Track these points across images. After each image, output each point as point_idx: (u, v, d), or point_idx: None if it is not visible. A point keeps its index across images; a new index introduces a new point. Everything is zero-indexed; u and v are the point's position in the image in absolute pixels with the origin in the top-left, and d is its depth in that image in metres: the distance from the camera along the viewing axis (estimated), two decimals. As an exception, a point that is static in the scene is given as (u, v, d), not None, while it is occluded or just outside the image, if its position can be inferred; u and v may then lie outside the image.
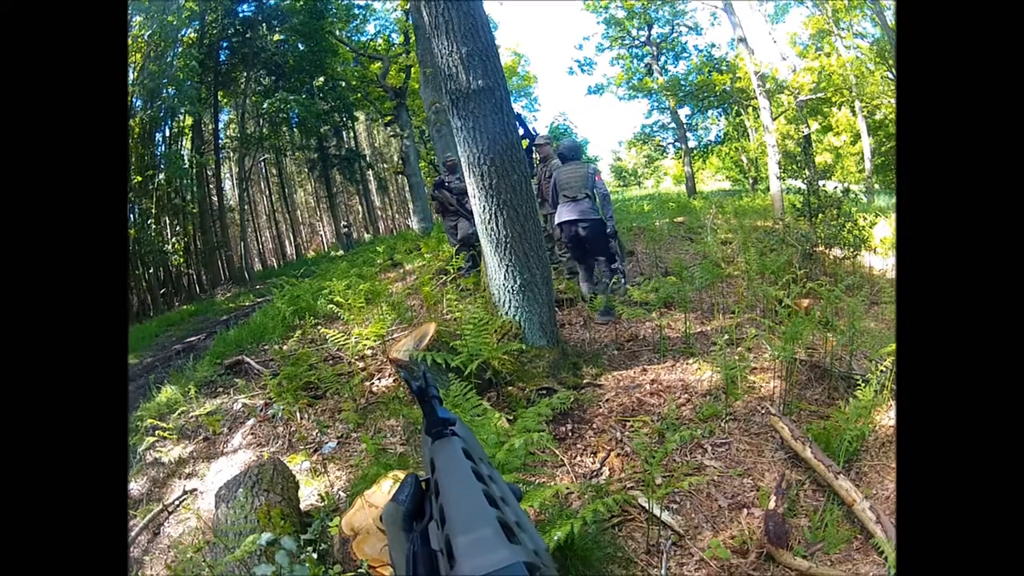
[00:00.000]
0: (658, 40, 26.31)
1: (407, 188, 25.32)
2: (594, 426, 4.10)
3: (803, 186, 9.48)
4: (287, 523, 3.25)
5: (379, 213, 38.74)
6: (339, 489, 4.05)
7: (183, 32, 21.24)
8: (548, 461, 3.76)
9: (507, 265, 4.75)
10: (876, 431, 3.79)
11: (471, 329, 4.22)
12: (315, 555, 2.85)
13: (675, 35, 26.51)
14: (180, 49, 20.97)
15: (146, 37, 19.97)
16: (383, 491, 2.93)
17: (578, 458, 3.81)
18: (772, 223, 11.40)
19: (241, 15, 22.91)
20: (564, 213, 6.24)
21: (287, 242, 37.19)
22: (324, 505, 3.62)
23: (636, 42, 26.65)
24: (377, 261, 12.41)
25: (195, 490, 4.55)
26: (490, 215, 4.71)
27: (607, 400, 4.38)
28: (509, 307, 4.84)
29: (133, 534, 4.09)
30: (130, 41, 19.93)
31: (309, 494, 4.01)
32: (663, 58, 26.55)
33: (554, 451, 3.82)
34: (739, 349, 4.78)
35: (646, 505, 3.17)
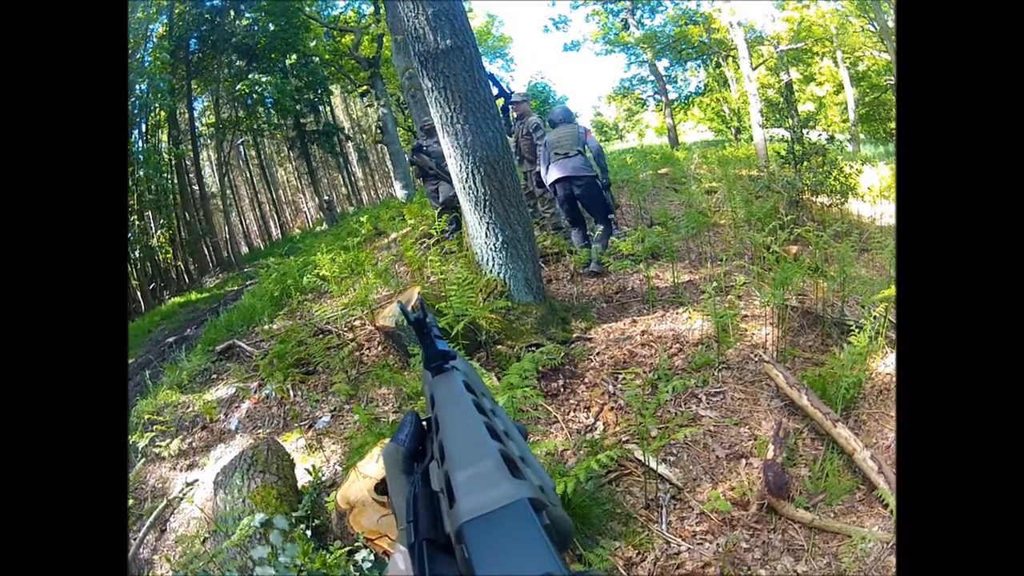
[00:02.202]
0: None
1: (387, 157, 25.16)
2: (586, 380, 4.05)
3: (787, 134, 9.38)
4: (283, 503, 3.22)
5: (361, 184, 38.48)
6: (335, 463, 4.01)
7: (152, 28, 20.90)
8: (541, 418, 3.71)
9: (488, 223, 4.68)
10: (872, 378, 3.74)
11: (456, 289, 4.15)
12: (308, 532, 2.80)
13: None
14: (152, 45, 20.63)
15: None
16: (375, 461, 2.87)
17: (571, 414, 3.77)
18: (757, 171, 11.32)
19: (208, 4, 22.52)
20: (556, 171, 6.14)
21: (271, 222, 36.94)
22: (313, 480, 3.56)
23: None
24: (361, 231, 12.26)
25: (196, 481, 4.51)
26: (467, 174, 4.62)
27: (598, 353, 4.33)
28: (493, 265, 4.78)
29: (141, 533, 4.05)
30: None
31: (306, 471, 3.96)
32: (639, 12, 26.19)
33: (546, 407, 3.77)
34: (729, 297, 4.72)
35: (642, 459, 3.12)
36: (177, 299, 17.59)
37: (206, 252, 24.32)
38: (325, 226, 23.98)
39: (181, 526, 4.06)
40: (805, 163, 8.43)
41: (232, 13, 22.59)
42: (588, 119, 46.61)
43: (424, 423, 0.58)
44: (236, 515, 3.05)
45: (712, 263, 5.86)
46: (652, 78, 26.87)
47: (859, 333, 3.60)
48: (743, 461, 3.23)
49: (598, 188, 6.07)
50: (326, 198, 28.88)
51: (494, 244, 4.71)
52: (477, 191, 4.63)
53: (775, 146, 9.99)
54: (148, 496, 4.54)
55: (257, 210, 37.06)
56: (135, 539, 4.01)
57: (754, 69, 15.46)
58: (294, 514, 3.06)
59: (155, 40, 20.86)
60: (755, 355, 4.09)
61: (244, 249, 31.33)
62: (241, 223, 35.09)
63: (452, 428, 0.46)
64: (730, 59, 22.22)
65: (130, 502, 4.35)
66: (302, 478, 3.78)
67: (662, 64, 26.02)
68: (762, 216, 6.72)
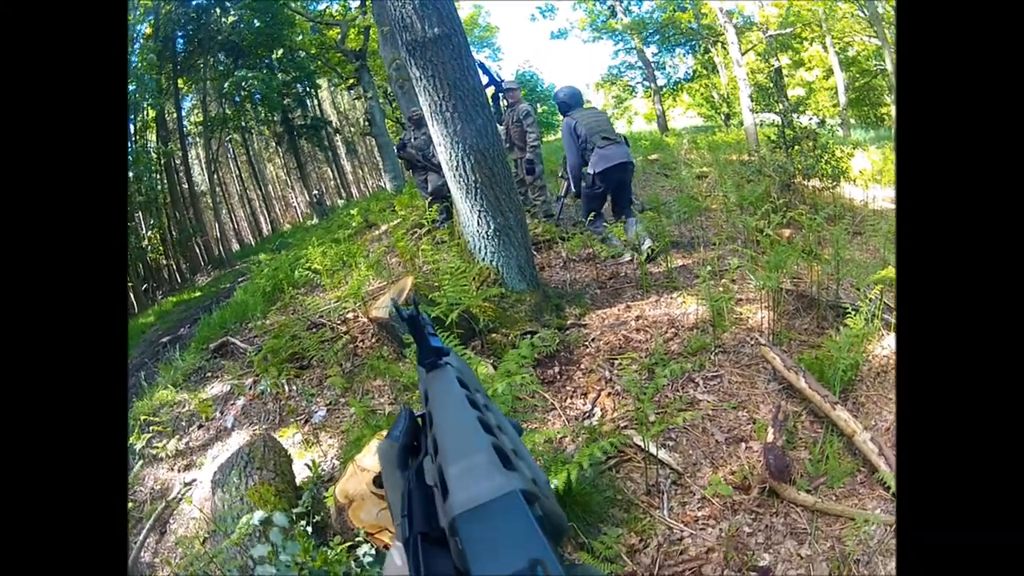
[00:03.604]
0: None
1: (376, 149, 25.15)
2: (582, 367, 4.02)
3: (777, 119, 9.36)
4: (281, 499, 3.20)
5: (351, 178, 38.41)
6: (332, 457, 3.99)
7: (139, 29, 20.86)
8: (538, 406, 3.68)
9: (479, 210, 4.64)
10: (870, 360, 3.73)
11: (448, 279, 4.12)
12: (308, 528, 2.76)
13: None
14: (139, 45, 20.58)
15: None
16: (372, 456, 2.84)
17: (568, 401, 3.74)
18: (747, 156, 11.30)
19: (194, 3, 22.40)
20: (614, 155, 5.97)
21: (262, 218, 36.86)
22: (312, 476, 3.53)
23: None
24: (352, 224, 12.25)
25: (194, 481, 4.47)
26: (457, 161, 4.58)
27: (593, 340, 4.31)
28: (485, 253, 4.74)
29: (141, 537, 4.00)
30: None
31: (303, 466, 3.92)
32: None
33: (543, 394, 3.74)
34: (723, 281, 4.70)
35: (642, 444, 3.09)
36: (170, 299, 17.61)
37: (197, 251, 24.34)
38: (315, 220, 23.96)
39: (181, 527, 4.02)
40: (796, 147, 8.41)
41: (218, 11, 22.52)
42: (577, 107, 46.47)
43: (419, 418, 0.59)
44: (235, 514, 3.02)
45: (705, 247, 5.82)
46: (640, 65, 26.87)
47: (855, 315, 3.58)
48: (743, 445, 3.21)
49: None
50: (315, 192, 28.83)
51: (486, 232, 4.67)
52: (468, 179, 4.58)
53: (765, 131, 9.97)
54: (148, 498, 4.49)
55: (247, 207, 37.01)
56: (135, 543, 3.97)
57: (743, 55, 15.44)
58: (294, 511, 3.02)
59: (142, 41, 20.81)
60: (751, 338, 4.07)
61: (235, 246, 31.34)
62: (231, 220, 35.07)
63: (445, 423, 0.46)
64: (719, 45, 22.21)
65: (129, 505, 4.31)
66: (300, 473, 3.75)
67: (650, 51, 26.05)
68: (754, 200, 6.69)
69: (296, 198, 38.33)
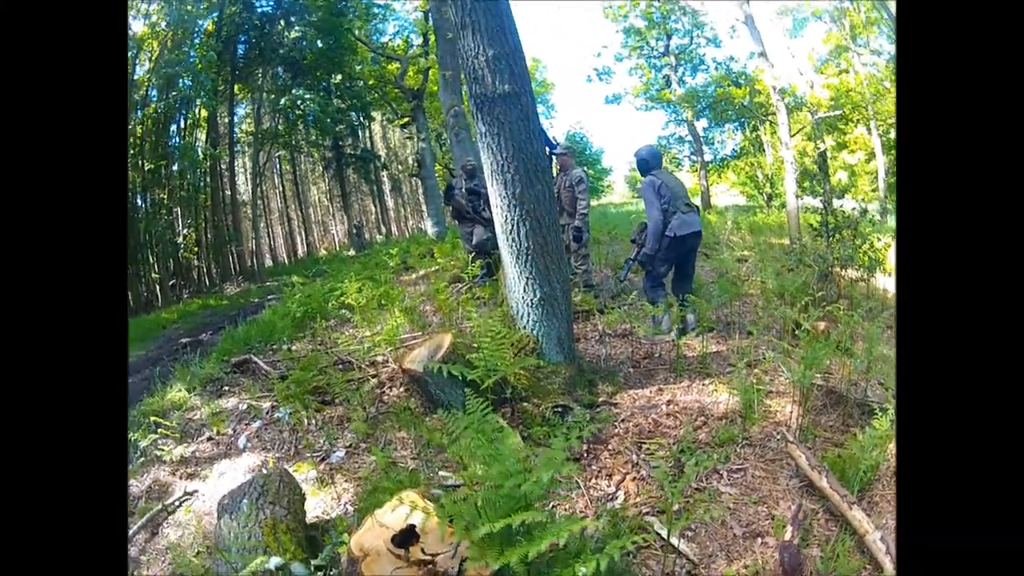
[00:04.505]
0: (677, 52, 26.37)
1: (421, 191, 25.34)
2: (609, 447, 4.02)
3: (819, 204, 9.37)
4: (291, 538, 3.17)
5: (392, 215, 38.71)
6: (346, 502, 3.98)
7: (201, 24, 21.36)
8: (563, 483, 3.69)
9: (527, 277, 4.67)
10: (889, 459, 3.71)
11: (488, 342, 4.14)
12: None
13: (693, 47, 26.55)
14: (198, 40, 21.14)
15: (164, 25, 20.17)
16: (393, 513, 2.85)
17: (593, 480, 3.74)
18: (788, 242, 11.30)
19: (259, 9, 23.01)
20: (695, 223, 6.02)
21: (299, 239, 37.23)
22: (333, 523, 3.54)
23: (655, 53, 26.69)
24: (390, 264, 12.36)
25: (196, 492, 4.47)
26: (512, 225, 4.62)
27: (623, 420, 4.31)
28: (527, 320, 4.76)
29: (131, 532, 4.01)
30: (147, 29, 20.18)
31: (315, 505, 3.94)
32: (681, 70, 26.55)
33: (573, 476, 3.75)
34: (755, 371, 4.71)
35: (661, 533, 3.11)
36: (196, 300, 17.87)
37: (230, 258, 24.57)
38: (352, 251, 24.17)
39: (174, 533, 4.03)
40: (836, 236, 8.42)
41: (282, 23, 22.99)
42: (622, 175, 46.80)
43: None
44: (242, 545, 3.01)
45: (740, 334, 5.83)
46: (690, 138, 27.06)
47: (881, 416, 3.57)
48: (759, 540, 3.19)
49: None
50: (356, 223, 29.21)
51: (531, 300, 4.69)
52: (520, 244, 4.62)
53: (807, 216, 9.99)
54: (143, 496, 4.49)
55: (286, 225, 37.39)
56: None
57: (792, 136, 15.56)
58: (312, 562, 3.01)
59: (202, 37, 21.37)
60: (778, 432, 4.07)
61: (268, 262, 31.55)
62: (269, 235, 35.38)
63: None
64: (767, 123, 22.36)
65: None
66: (310, 512, 3.74)
67: (701, 124, 26.23)
68: (794, 291, 6.70)
69: (336, 226, 38.62)
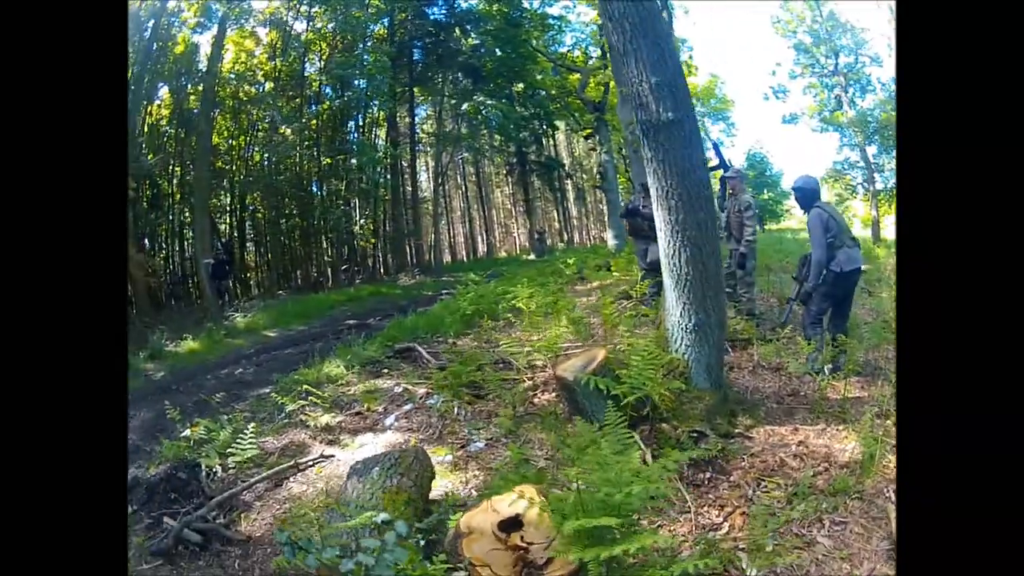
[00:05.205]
0: (845, 70, 24.61)
1: (604, 203, 25.45)
2: (731, 479, 3.99)
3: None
4: (409, 508, 3.39)
5: (575, 223, 38.95)
6: (472, 488, 4.21)
7: (371, 28, 22.53)
8: (676, 504, 3.74)
9: (684, 303, 4.73)
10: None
11: (638, 361, 4.26)
12: (422, 543, 2.91)
13: (860, 66, 24.70)
14: (369, 44, 22.38)
15: (330, 28, 21.62)
16: (506, 502, 3.04)
17: (706, 507, 3.74)
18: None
19: (432, 17, 23.83)
20: (859, 258, 5.83)
21: (480, 239, 38.24)
22: (446, 504, 3.79)
23: (825, 71, 25.15)
24: (566, 272, 12.53)
25: (332, 456, 4.85)
26: (674, 250, 4.71)
27: (752, 455, 4.23)
28: (681, 344, 4.81)
29: (255, 479, 4.45)
30: (311, 35, 21.82)
31: (444, 486, 4.20)
32: (851, 90, 24.79)
33: (685, 495, 3.78)
34: (888, 422, 4.43)
35: (744, 568, 3.07)
36: (367, 287, 18.72)
37: (408, 251, 25.74)
38: (533, 256, 24.67)
39: (298, 488, 4.42)
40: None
41: (458, 31, 23.82)
42: (799, 201, 44.05)
43: None
44: (362, 504, 3.22)
45: (884, 382, 5.41)
46: (862, 163, 25.31)
47: None
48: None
49: None
50: (538, 228, 29.79)
51: (686, 325, 4.75)
52: (680, 270, 4.69)
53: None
54: (276, 452, 4.96)
55: (467, 224, 38.65)
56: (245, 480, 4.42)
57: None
58: (417, 524, 3.22)
59: (373, 41, 22.60)
60: (890, 489, 3.85)
61: (447, 258, 32.58)
62: (449, 233, 36.65)
63: None
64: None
65: (256, 451, 4.75)
66: (436, 491, 4.02)
67: (871, 150, 24.40)
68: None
69: (518, 229, 39.31)
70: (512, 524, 2.96)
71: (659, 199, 4.75)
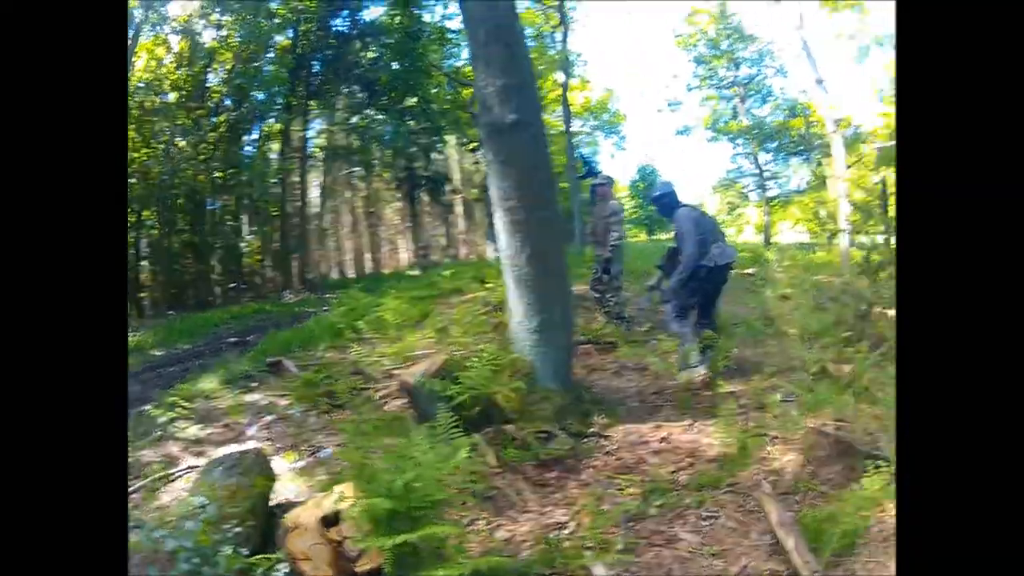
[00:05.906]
0: (745, 81, 25.99)
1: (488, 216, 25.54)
2: (582, 478, 3.97)
3: (868, 241, 8.98)
4: (247, 504, 3.50)
5: (462, 238, 39.01)
6: (315, 491, 4.10)
7: (274, 39, 22.18)
8: (516, 505, 3.69)
9: (527, 303, 4.74)
10: (884, 522, 3.18)
11: (477, 362, 4.22)
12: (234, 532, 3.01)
13: (761, 76, 26.13)
14: (272, 55, 22.04)
15: (237, 38, 21.07)
16: (331, 499, 3.15)
17: (551, 508, 3.68)
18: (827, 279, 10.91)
19: (335, 29, 23.65)
20: (732, 254, 5.83)
21: (367, 256, 37.82)
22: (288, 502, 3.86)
23: (724, 83, 26.39)
24: (440, 285, 12.58)
25: (197, 466, 4.72)
26: (515, 250, 4.71)
27: (607, 453, 4.25)
28: (524, 345, 4.81)
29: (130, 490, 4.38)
30: (216, 43, 21.23)
31: (290, 489, 4.19)
32: (749, 100, 26.14)
33: (527, 495, 3.77)
34: (760, 415, 4.51)
35: (593, 570, 2.98)
36: (253, 305, 18.38)
37: (293, 268, 25.08)
38: (417, 272, 24.53)
39: (167, 496, 4.36)
40: (881, 272, 8.02)
41: (358, 43, 23.67)
42: (690, 209, 45.90)
43: None
44: (200, 500, 3.29)
45: (761, 375, 5.51)
46: (756, 171, 26.59)
47: (873, 473, 3.29)
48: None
49: None
50: (422, 244, 29.55)
51: (529, 325, 4.75)
52: (521, 269, 4.70)
53: (854, 252, 9.63)
54: (152, 464, 4.86)
55: (355, 240, 38.06)
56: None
57: (848, 168, 15.08)
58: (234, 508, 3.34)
59: (276, 52, 22.20)
60: (768, 481, 3.86)
61: (335, 275, 32.11)
62: (336, 249, 36.07)
63: None
64: (831, 156, 21.81)
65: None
66: (283, 494, 4.06)
67: (765, 157, 25.74)
68: (820, 330, 6.42)
69: (405, 245, 39.24)
70: (334, 520, 3.08)
71: (499, 200, 4.75)
